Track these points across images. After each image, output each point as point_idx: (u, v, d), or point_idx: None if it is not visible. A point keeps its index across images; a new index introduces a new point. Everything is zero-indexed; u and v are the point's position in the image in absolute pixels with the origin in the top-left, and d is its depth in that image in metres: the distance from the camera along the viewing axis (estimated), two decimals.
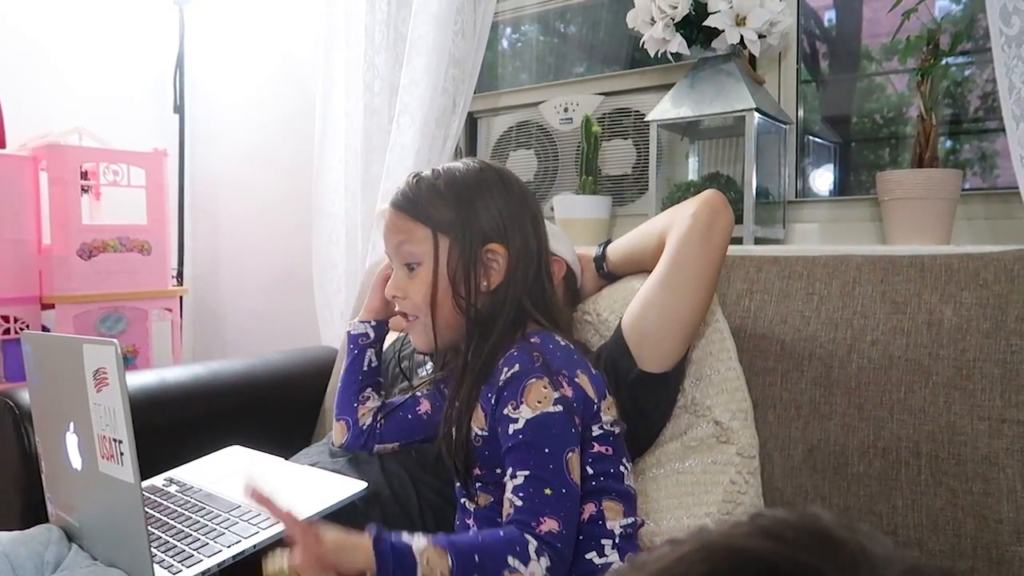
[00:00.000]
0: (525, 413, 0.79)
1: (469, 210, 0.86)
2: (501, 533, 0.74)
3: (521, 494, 0.76)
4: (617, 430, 0.86)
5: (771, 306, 1.13)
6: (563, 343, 0.87)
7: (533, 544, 0.72)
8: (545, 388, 0.80)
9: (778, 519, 0.29)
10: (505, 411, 0.80)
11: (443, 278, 0.85)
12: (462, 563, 0.70)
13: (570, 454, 0.78)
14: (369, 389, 1.00)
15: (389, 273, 0.94)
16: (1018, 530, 0.91)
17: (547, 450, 0.77)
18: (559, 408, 0.79)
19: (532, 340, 0.84)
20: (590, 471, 0.83)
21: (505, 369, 0.81)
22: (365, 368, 1.00)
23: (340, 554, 0.69)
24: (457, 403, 0.85)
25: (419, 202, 0.87)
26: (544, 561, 0.72)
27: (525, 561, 0.72)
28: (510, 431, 0.79)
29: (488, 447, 0.82)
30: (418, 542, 0.71)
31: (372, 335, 1.00)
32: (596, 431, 0.84)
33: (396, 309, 0.95)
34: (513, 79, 2.02)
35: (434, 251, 0.86)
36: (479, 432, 0.83)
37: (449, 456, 0.86)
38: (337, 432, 0.99)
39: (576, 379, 0.83)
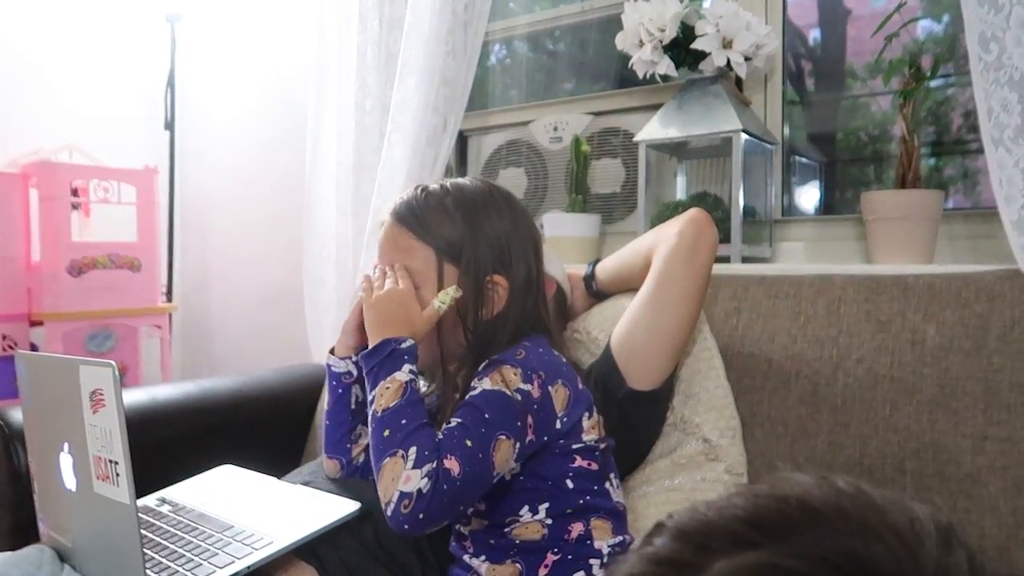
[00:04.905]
0: (486, 384, 0.79)
1: (475, 233, 0.85)
2: (430, 435, 0.75)
3: (446, 432, 0.76)
4: (603, 446, 0.86)
5: (758, 324, 1.15)
6: (555, 352, 0.87)
7: (432, 464, 0.72)
8: (515, 375, 0.80)
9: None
10: (471, 385, 0.81)
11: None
12: (395, 411, 0.77)
13: (503, 438, 0.76)
14: (360, 427, 0.97)
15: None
16: (1000, 546, 0.92)
17: (487, 416, 0.77)
18: (518, 397, 0.78)
19: (524, 344, 0.84)
20: (571, 486, 0.82)
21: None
22: (353, 407, 0.96)
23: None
24: None
25: (425, 219, 0.85)
26: (426, 482, 0.72)
27: (418, 464, 0.73)
28: (467, 398, 0.80)
29: None
30: (404, 374, 0.79)
31: (355, 372, 0.96)
32: (575, 444, 0.83)
33: None
34: (503, 96, 2.05)
35: (438, 275, 0.85)
36: None
37: None
38: (330, 468, 0.98)
39: (550, 386, 0.81)
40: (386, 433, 0.76)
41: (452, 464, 0.73)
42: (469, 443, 0.75)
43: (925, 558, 0.28)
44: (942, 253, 1.33)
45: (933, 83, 1.40)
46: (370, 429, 0.79)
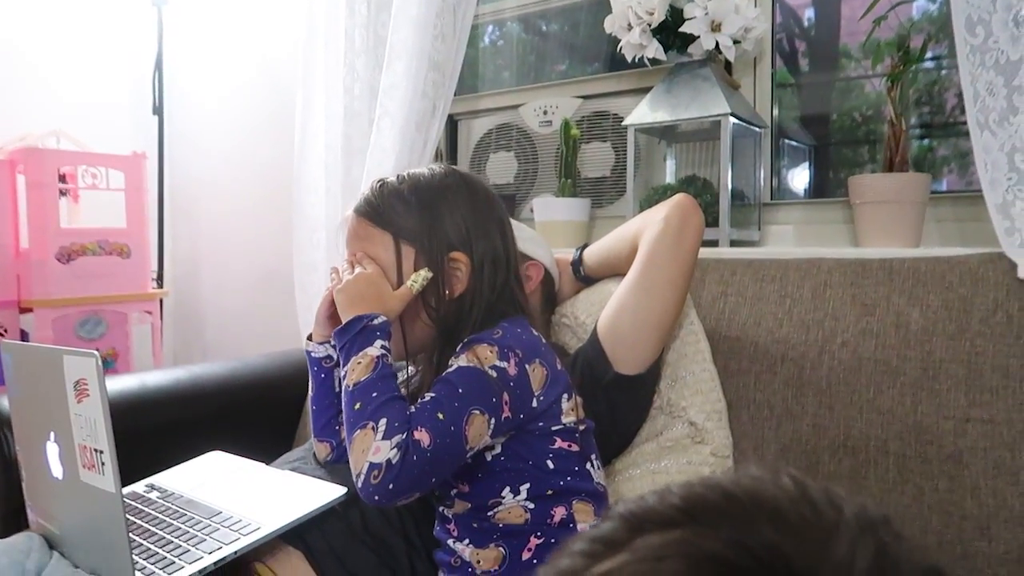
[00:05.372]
0: (461, 362, 0.80)
1: (433, 217, 0.86)
2: (400, 408, 0.76)
3: (419, 406, 0.77)
4: (582, 427, 0.86)
5: (745, 308, 1.15)
6: (534, 333, 0.87)
7: (402, 436, 0.73)
8: (491, 352, 0.80)
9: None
10: (448, 363, 0.82)
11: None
12: (366, 385, 0.78)
13: (476, 412, 0.77)
14: None
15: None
16: (981, 526, 0.94)
17: (460, 390, 0.78)
18: (493, 374, 0.79)
19: (503, 324, 0.85)
20: (552, 466, 0.83)
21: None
22: (337, 390, 0.97)
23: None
24: None
25: (382, 208, 0.88)
26: (396, 452, 0.73)
27: (388, 435, 0.73)
28: (443, 374, 0.81)
29: None
30: (376, 349, 0.80)
31: (335, 356, 0.95)
32: (555, 426, 0.84)
33: None
34: (494, 78, 2.04)
35: (396, 258, 0.86)
36: None
37: None
38: (321, 451, 0.99)
39: (527, 365, 0.82)
40: (357, 406, 0.77)
41: (422, 436, 0.74)
42: (441, 416, 0.76)
43: (832, 549, 0.30)
44: (930, 236, 1.34)
45: (928, 63, 1.39)
46: (343, 404, 0.80)
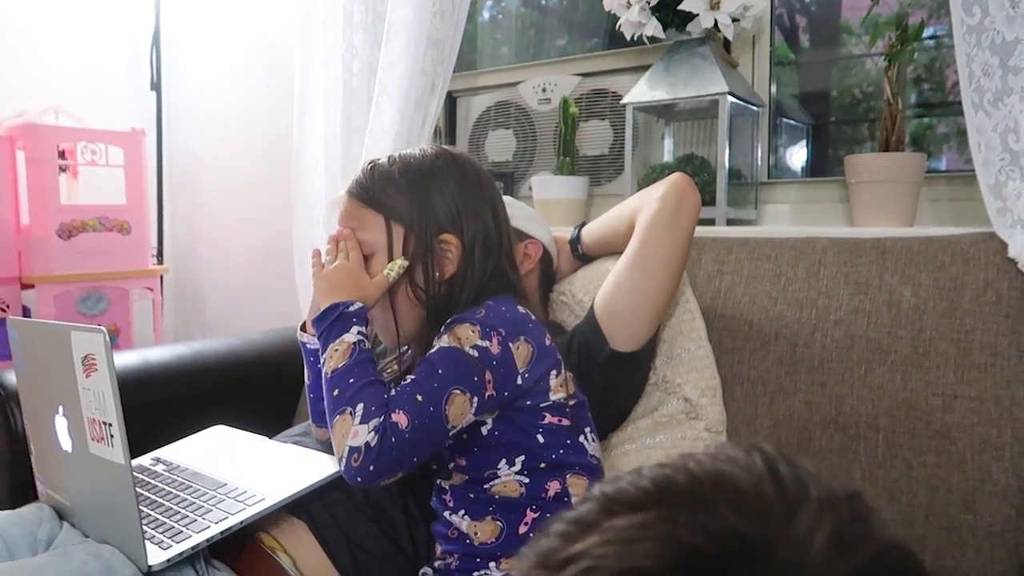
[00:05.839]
0: (443, 342, 0.82)
1: (423, 198, 0.87)
2: (377, 392, 0.78)
3: (399, 389, 0.79)
4: (573, 402, 0.87)
5: (740, 287, 1.17)
6: (521, 310, 0.87)
7: (379, 419, 0.76)
8: (473, 332, 0.82)
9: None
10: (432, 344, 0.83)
11: None
12: (343, 371, 0.80)
13: (457, 392, 0.79)
14: None
15: None
16: (966, 499, 0.96)
17: (440, 371, 0.79)
18: (474, 353, 0.80)
19: (487, 303, 0.86)
20: (542, 440, 0.84)
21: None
22: None
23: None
24: None
25: (373, 189, 0.89)
26: (373, 435, 0.75)
27: (365, 419, 0.76)
28: (425, 355, 0.82)
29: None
30: (353, 336, 0.82)
31: None
32: (543, 403, 0.85)
33: None
34: (493, 53, 2.03)
35: (387, 239, 0.87)
36: None
37: None
38: (319, 436, 1.01)
39: (511, 343, 0.83)
40: (335, 392, 0.79)
41: (400, 418, 0.76)
42: (419, 398, 0.77)
43: (793, 527, 0.32)
44: (924, 215, 1.35)
45: (929, 40, 1.39)
46: (324, 391, 0.82)
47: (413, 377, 0.80)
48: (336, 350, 0.82)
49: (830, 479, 0.34)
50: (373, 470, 0.75)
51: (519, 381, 0.83)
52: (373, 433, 0.75)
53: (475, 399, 0.80)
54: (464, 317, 0.83)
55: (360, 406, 0.77)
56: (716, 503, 0.33)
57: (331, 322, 0.83)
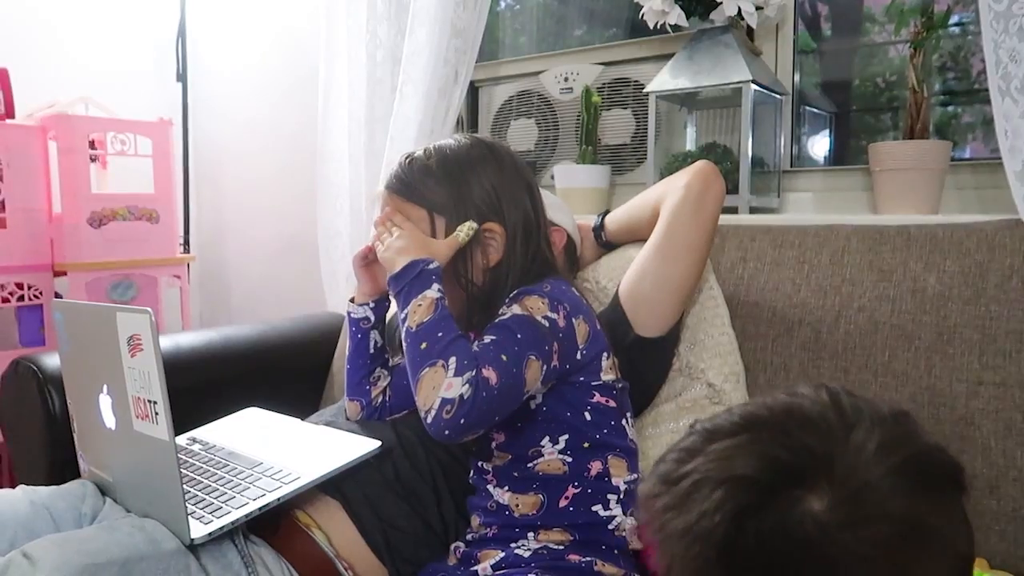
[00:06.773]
0: (515, 310, 0.83)
1: (462, 188, 0.89)
2: (467, 347, 0.79)
3: (480, 345, 0.80)
4: (620, 386, 0.91)
5: (763, 274, 1.18)
6: (575, 292, 0.91)
7: (471, 373, 0.76)
8: (542, 303, 0.84)
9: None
10: (500, 312, 0.84)
11: None
12: (430, 325, 0.80)
13: (532, 358, 0.80)
14: (379, 369, 1.03)
15: (366, 253, 0.97)
16: (991, 484, 0.97)
17: (519, 335, 0.80)
18: (545, 323, 0.82)
19: (549, 280, 0.88)
20: (589, 418, 0.87)
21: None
22: (371, 351, 1.02)
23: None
24: None
25: (412, 183, 0.90)
26: (468, 389, 0.75)
27: (459, 372, 0.76)
28: (497, 320, 0.83)
29: None
30: (434, 292, 0.83)
31: (373, 317, 1.01)
32: (594, 381, 0.87)
33: None
34: (513, 43, 2.04)
35: (431, 231, 0.89)
36: None
37: None
38: (351, 410, 1.03)
39: (574, 319, 0.86)
40: (423, 346, 0.79)
41: (490, 374, 0.77)
42: (504, 357, 0.78)
43: (851, 440, 0.43)
44: (949, 203, 1.35)
45: (955, 28, 1.38)
46: (404, 346, 0.82)
47: (492, 337, 0.81)
48: (420, 305, 0.82)
49: (883, 403, 0.46)
50: (464, 423, 0.75)
51: (578, 356, 0.86)
52: (468, 386, 0.75)
53: (544, 367, 0.81)
54: (532, 290, 0.85)
55: (453, 359, 0.77)
56: (791, 428, 0.44)
57: (412, 279, 0.83)
